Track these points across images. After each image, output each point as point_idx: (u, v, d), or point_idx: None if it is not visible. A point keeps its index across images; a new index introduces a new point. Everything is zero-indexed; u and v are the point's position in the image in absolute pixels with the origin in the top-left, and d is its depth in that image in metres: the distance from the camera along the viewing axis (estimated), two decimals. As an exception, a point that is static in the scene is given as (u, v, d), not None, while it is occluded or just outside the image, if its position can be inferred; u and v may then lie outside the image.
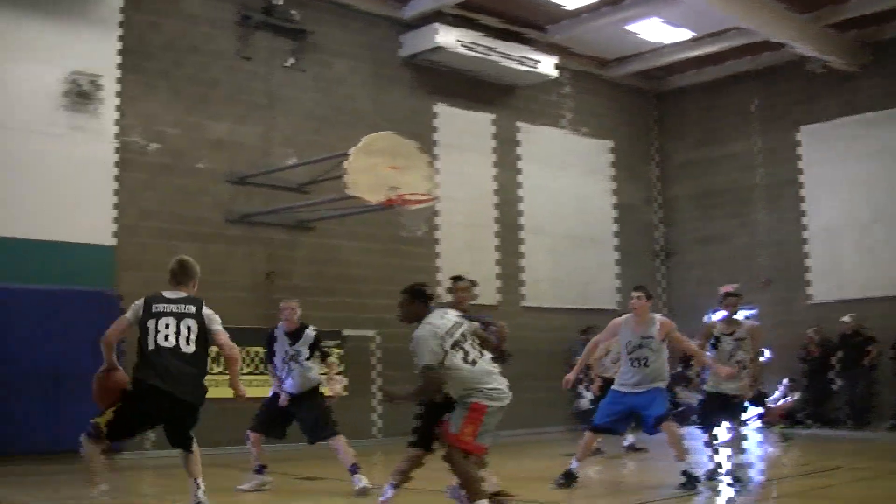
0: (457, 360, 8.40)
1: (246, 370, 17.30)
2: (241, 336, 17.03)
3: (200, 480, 8.71)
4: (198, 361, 9.08)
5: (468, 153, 21.77)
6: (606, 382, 13.51)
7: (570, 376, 12.02)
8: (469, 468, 8.36)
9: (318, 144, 18.76)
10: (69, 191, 15.94)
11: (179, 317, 9.00)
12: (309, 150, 18.59)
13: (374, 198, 15.50)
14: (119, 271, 16.40)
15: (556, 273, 22.80)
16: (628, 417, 12.03)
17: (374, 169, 15.51)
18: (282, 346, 12.35)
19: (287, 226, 18.53)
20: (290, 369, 12.27)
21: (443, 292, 20.80)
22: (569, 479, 11.63)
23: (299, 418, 12.32)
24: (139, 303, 8.95)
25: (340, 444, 11.94)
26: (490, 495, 8.79)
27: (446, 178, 20.01)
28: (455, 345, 8.44)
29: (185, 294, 9.24)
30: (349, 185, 15.30)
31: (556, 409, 20.76)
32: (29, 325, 14.92)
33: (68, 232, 15.85)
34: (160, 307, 9.10)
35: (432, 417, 9.00)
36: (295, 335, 12.33)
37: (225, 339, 9.19)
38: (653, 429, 11.58)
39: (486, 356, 8.65)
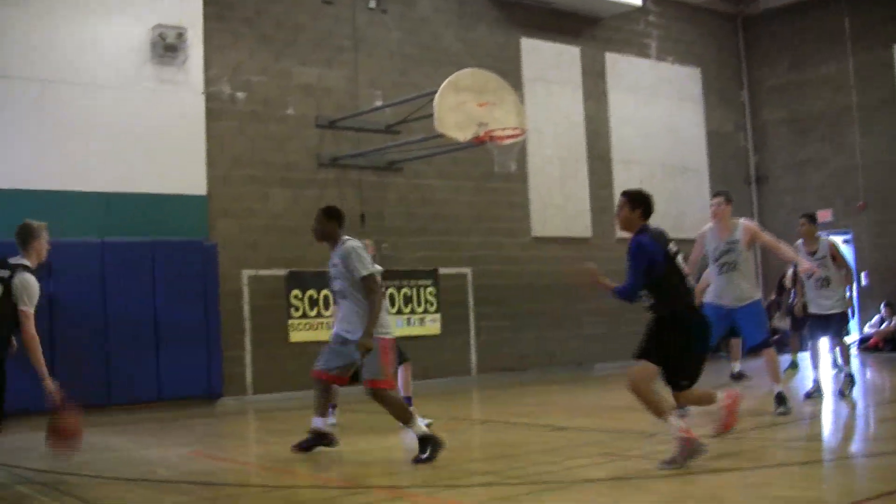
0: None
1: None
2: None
3: None
4: None
5: (555, 86, 21.54)
6: None
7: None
8: (397, 398, 9.09)
9: (405, 85, 18.69)
10: (161, 144, 16.09)
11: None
12: (396, 90, 18.53)
13: (463, 135, 15.41)
14: (213, 220, 16.57)
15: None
16: (726, 334, 11.73)
17: (462, 106, 15.40)
18: None
19: (377, 167, 18.53)
20: None
21: (535, 227, 20.78)
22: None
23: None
24: None
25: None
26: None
27: (534, 112, 19.82)
28: None
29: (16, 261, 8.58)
30: (438, 124, 15.21)
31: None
32: (128, 277, 15.14)
33: (162, 184, 16.02)
34: None
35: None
36: None
37: (24, 320, 8.39)
38: (751, 350, 11.39)
39: None
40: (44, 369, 8.34)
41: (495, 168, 16.44)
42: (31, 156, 15.05)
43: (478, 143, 15.66)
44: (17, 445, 11.33)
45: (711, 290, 11.45)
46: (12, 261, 8.54)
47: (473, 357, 19.20)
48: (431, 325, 18.36)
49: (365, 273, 8.96)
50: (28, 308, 8.31)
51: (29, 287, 8.36)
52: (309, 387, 16.79)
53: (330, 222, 9.34)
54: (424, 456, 8.75)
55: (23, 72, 15.15)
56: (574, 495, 7.25)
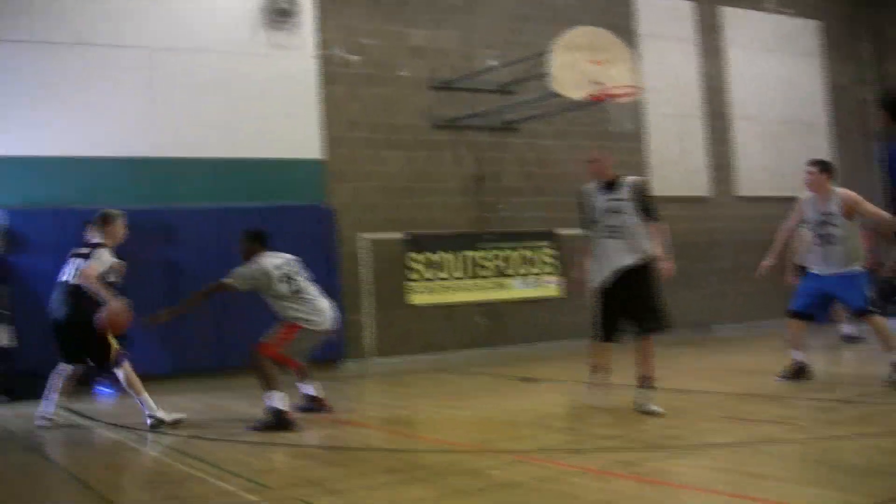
0: (282, 288, 9.91)
1: (460, 274, 17.41)
2: (453, 241, 17.37)
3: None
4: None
5: (671, 42, 21.14)
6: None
7: (766, 263, 11.31)
8: (269, 367, 9.65)
9: (519, 44, 18.49)
10: (276, 108, 16.22)
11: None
12: (509, 50, 18.36)
13: (578, 94, 15.26)
14: (329, 184, 16.66)
15: (767, 161, 22.05)
16: (825, 303, 11.37)
17: (576, 65, 15.24)
18: None
19: (493, 128, 18.42)
20: None
21: (652, 186, 20.47)
22: (798, 372, 11.10)
23: None
24: None
25: None
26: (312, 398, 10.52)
27: (650, 69, 19.49)
28: (285, 277, 10.00)
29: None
30: (553, 83, 15.07)
31: (771, 301, 20.20)
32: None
33: (278, 149, 16.16)
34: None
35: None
36: None
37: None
38: (856, 316, 11.15)
39: (312, 289, 10.20)
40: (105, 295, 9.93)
41: (611, 127, 16.24)
42: (147, 124, 15.28)
43: (593, 101, 15.49)
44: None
45: (811, 259, 11.14)
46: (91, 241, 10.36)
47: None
48: (549, 286, 18.25)
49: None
50: (94, 262, 10.08)
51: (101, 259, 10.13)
52: (429, 350, 17.00)
53: (252, 244, 10.30)
54: (261, 422, 9.49)
55: (135, 40, 15.37)
56: (699, 460, 7.13)
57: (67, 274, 10.24)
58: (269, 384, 9.63)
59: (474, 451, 7.93)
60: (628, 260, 9.16)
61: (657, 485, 6.37)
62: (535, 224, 18.47)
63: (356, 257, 16.71)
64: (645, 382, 9.36)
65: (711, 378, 12.11)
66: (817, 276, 10.97)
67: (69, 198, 14.48)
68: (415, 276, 17.06)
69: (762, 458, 7.09)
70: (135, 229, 14.45)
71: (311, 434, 9.28)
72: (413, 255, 17.10)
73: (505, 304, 17.99)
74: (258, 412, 9.71)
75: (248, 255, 10.23)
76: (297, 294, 10.01)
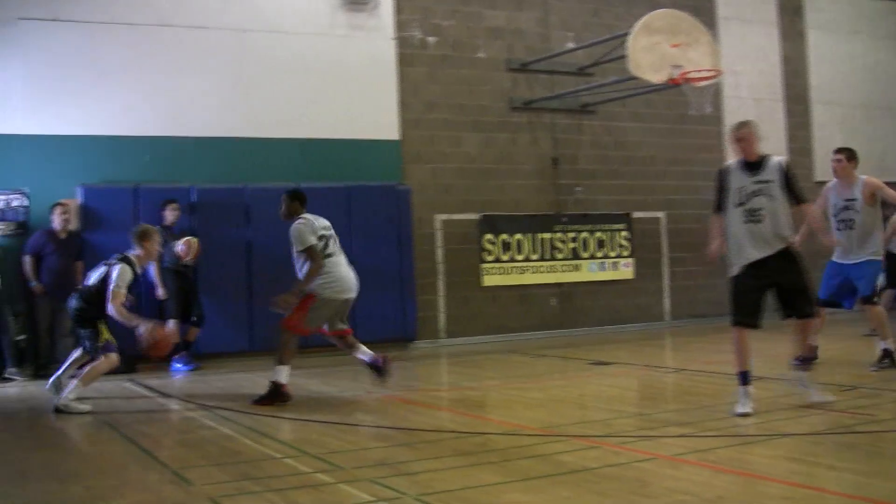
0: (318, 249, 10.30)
1: (534, 256, 17.40)
2: (529, 223, 17.37)
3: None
4: None
5: (751, 25, 20.87)
6: None
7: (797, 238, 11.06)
8: (288, 341, 10.26)
9: (597, 26, 18.40)
10: (355, 90, 16.31)
11: None
12: (587, 32, 18.27)
13: (657, 77, 15.13)
14: (406, 165, 16.72)
15: (848, 145, 21.66)
16: (849, 289, 11.29)
17: (655, 47, 15.10)
18: None
19: (570, 110, 18.35)
20: None
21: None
22: (887, 358, 11.02)
23: None
24: None
25: None
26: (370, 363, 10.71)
27: (729, 52, 19.26)
28: (324, 239, 10.39)
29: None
30: (631, 66, 14.96)
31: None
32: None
33: (356, 129, 16.25)
34: None
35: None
36: None
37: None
38: (853, 304, 11.13)
39: (342, 256, 10.65)
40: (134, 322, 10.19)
41: (690, 110, 16.10)
42: (228, 104, 15.46)
43: (672, 84, 15.37)
44: (220, 386, 11.76)
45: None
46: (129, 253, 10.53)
47: (667, 302, 18.95)
48: (625, 269, 18.17)
49: (300, 248, 10.31)
50: (116, 289, 10.08)
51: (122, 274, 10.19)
52: (501, 331, 17.02)
53: (293, 203, 10.64)
54: (263, 395, 10.11)
55: (219, 22, 15.53)
56: (773, 450, 7.09)
57: (93, 278, 10.47)
58: (280, 358, 10.17)
59: (544, 436, 7.95)
60: (774, 245, 8.58)
61: (729, 473, 6.35)
62: (610, 207, 18.39)
63: (431, 238, 16.76)
64: (804, 362, 8.98)
65: (785, 365, 11.92)
66: (839, 263, 11.22)
67: (147, 177, 14.69)
68: (489, 257, 17.08)
69: (838, 450, 7.04)
70: (213, 208, 14.70)
71: (384, 415, 9.36)
72: (488, 236, 17.11)
73: (578, 287, 17.94)
74: (331, 390, 9.80)
75: (290, 214, 10.60)
76: (327, 258, 10.37)
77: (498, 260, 17.12)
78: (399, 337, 15.89)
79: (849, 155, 11.26)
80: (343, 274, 10.56)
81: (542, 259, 17.49)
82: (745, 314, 8.66)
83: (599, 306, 18.11)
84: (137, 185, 14.41)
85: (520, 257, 17.04)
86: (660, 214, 19.00)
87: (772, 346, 13.33)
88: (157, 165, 14.89)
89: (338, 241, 10.70)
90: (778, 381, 10.13)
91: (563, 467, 6.69)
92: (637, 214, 18.64)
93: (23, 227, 13.90)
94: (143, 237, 10.57)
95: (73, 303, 10.43)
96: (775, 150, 20.54)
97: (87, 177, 14.36)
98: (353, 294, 10.67)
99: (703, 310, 19.10)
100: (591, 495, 5.88)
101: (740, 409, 8.38)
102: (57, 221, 13.40)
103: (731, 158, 9.11)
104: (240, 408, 9.85)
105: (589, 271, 17.89)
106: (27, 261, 13.27)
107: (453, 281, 16.88)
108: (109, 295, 10.00)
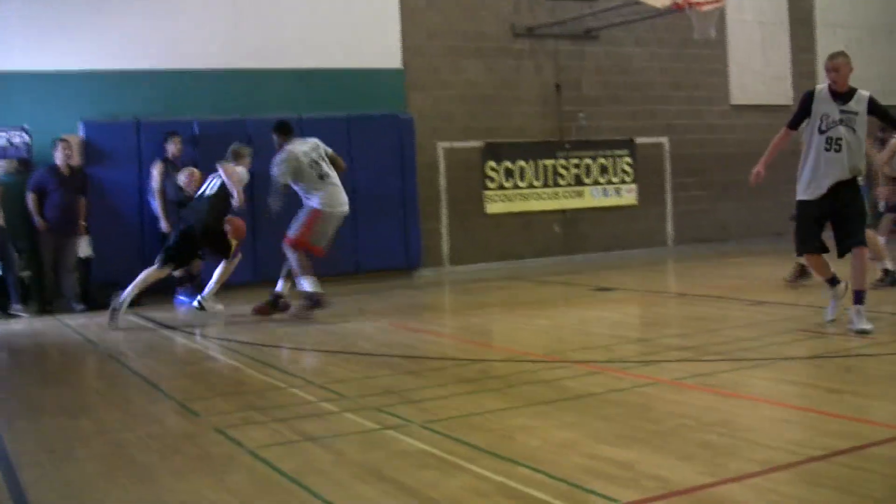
0: (311, 172, 11.13)
1: (537, 183, 17.39)
2: (532, 150, 17.34)
3: None
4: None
5: (757, -54, 20.69)
6: None
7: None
8: (300, 256, 11.03)
9: (600, -51, 18.25)
10: (354, 18, 16.16)
11: None
12: (590, -44, 18.11)
13: (661, 1, 15.03)
14: (409, 92, 16.65)
15: (855, 68, 21.55)
16: None
17: (659, -28, 15.02)
18: None
19: (573, 36, 18.21)
20: None
21: (734, 94, 20.21)
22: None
23: None
24: None
25: None
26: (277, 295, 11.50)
27: (734, -26, 19.14)
28: (314, 163, 11.18)
29: None
30: (635, -9, 14.88)
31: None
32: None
33: (357, 58, 16.14)
34: None
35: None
36: None
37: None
38: None
39: (334, 174, 11.28)
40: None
41: (694, 35, 16.01)
42: (227, 35, 15.29)
43: (676, 8, 15.26)
44: (224, 318, 11.82)
45: None
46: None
47: (670, 227, 18.96)
48: (628, 195, 18.16)
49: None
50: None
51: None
52: (505, 258, 17.06)
53: (275, 135, 11.46)
54: (300, 306, 11.14)
55: (219, -50, 15.41)
56: (774, 373, 7.16)
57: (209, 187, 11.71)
58: (301, 271, 11.01)
59: (548, 362, 8.02)
60: (845, 175, 8.64)
61: (730, 397, 6.42)
62: (613, 133, 18.34)
63: (435, 166, 16.74)
64: (858, 298, 8.67)
65: (787, 289, 12.02)
66: None
67: (149, 110, 14.63)
68: (492, 184, 17.07)
69: (837, 373, 7.10)
70: (214, 140, 14.66)
71: (388, 344, 9.42)
72: (491, 163, 17.09)
73: (582, 213, 17.95)
74: (335, 319, 9.83)
75: (279, 146, 11.34)
76: (322, 179, 11.16)
77: (501, 187, 17.11)
78: (403, 265, 15.95)
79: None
80: (337, 190, 11.29)
81: (545, 186, 17.47)
82: (811, 245, 8.92)
83: (603, 232, 18.12)
84: (139, 119, 14.37)
85: (523, 184, 17.04)
86: (663, 139, 18.95)
87: (771, 271, 13.41)
88: (158, 99, 14.82)
89: (326, 155, 11.42)
90: (778, 305, 10.20)
91: (566, 393, 6.75)
92: (640, 140, 18.58)
93: (25, 164, 13.87)
94: (237, 155, 11.77)
95: (202, 215, 11.47)
96: (780, 74, 20.63)
97: (89, 112, 14.29)
98: (346, 208, 11.41)
99: (706, 234, 19.14)
100: (596, 420, 5.95)
101: (858, 325, 8.51)
102: (59, 157, 13.35)
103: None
104: (244, 339, 9.92)
105: (592, 197, 17.88)
106: (31, 197, 13.23)
107: (456, 209, 16.88)
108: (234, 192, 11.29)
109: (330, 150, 11.53)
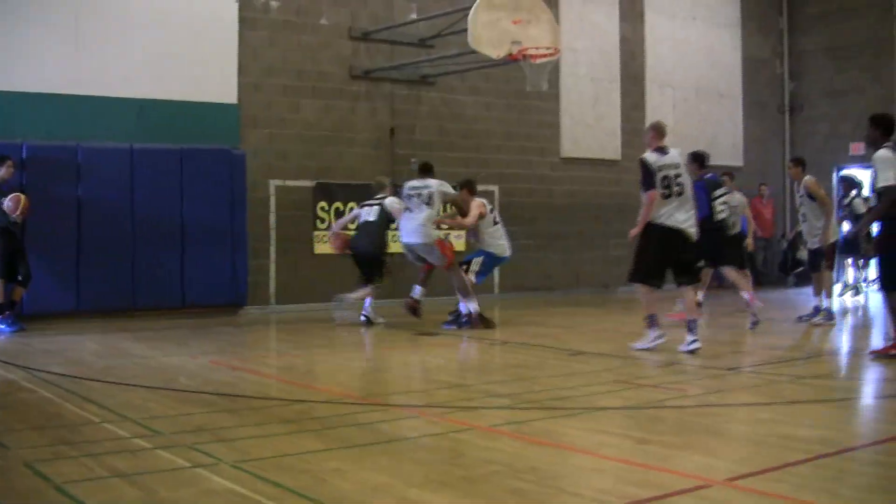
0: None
1: (352, 226, 17.44)
2: (364, 191, 17.36)
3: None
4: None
5: (592, 4, 21.27)
6: None
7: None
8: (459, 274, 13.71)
9: (440, -2, 18.53)
10: (193, 51, 16.06)
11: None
12: (431, 4, 18.35)
13: (496, 52, 15.31)
14: (243, 129, 16.57)
15: (680, 127, 22.23)
16: None
17: (496, 23, 15.27)
18: None
19: (410, 81, 18.43)
20: None
21: (564, 147, 20.67)
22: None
23: None
24: None
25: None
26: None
27: (569, 30, 19.66)
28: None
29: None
30: (472, 40, 15.10)
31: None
32: (157, 183, 15.21)
33: (194, 92, 16.02)
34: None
35: None
36: None
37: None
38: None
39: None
40: None
41: (527, 86, 16.36)
42: (66, 61, 15.08)
43: (511, 60, 15.58)
44: (44, 348, 11.51)
45: None
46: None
47: (497, 275, 19.21)
48: (456, 241, 18.34)
49: None
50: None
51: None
52: (329, 299, 17.06)
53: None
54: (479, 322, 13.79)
55: (59, -23, 15.14)
56: (587, 423, 7.31)
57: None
58: (468, 291, 13.95)
59: (366, 404, 8.05)
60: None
61: (543, 445, 6.53)
62: (445, 179, 18.45)
63: (266, 203, 16.69)
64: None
65: (607, 340, 12.35)
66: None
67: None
68: (322, 225, 17.08)
69: (648, 423, 7.31)
70: (45, 164, 14.33)
71: (208, 380, 9.31)
72: (322, 204, 17.13)
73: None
74: (157, 354, 9.66)
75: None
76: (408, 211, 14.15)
77: (330, 228, 17.10)
78: (230, 301, 15.82)
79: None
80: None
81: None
82: (654, 276, 10.73)
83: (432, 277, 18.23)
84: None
85: (352, 226, 17.07)
86: (493, 188, 19.24)
87: (592, 322, 13.70)
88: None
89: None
90: (599, 356, 10.44)
91: (382, 436, 6.79)
92: (471, 187, 18.81)
93: None
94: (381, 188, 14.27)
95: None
96: (610, 129, 21.22)
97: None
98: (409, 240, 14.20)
99: (533, 283, 19.49)
100: (408, 464, 6.00)
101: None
102: None
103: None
104: (62, 371, 9.67)
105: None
106: None
107: (285, 247, 16.86)
108: None
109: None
